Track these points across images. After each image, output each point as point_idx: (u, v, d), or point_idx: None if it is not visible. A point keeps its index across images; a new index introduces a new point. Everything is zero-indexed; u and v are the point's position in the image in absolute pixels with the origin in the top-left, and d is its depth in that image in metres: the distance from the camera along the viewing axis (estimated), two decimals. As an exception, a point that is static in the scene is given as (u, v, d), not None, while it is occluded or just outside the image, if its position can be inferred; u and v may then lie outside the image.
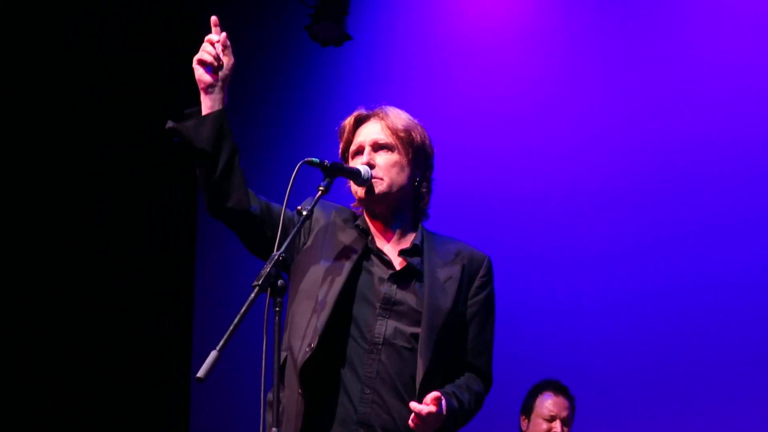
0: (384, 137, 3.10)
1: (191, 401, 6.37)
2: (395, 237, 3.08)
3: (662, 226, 5.50)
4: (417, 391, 2.86)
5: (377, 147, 3.08)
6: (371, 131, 3.13)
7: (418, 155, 3.13)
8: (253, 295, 2.68)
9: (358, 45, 6.22)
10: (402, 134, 3.12)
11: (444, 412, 2.79)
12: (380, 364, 2.89)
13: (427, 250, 3.06)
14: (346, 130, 3.19)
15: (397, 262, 3.02)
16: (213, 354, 2.58)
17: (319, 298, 2.90)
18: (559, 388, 4.83)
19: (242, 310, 2.66)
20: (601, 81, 5.76)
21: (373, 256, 3.01)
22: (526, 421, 4.83)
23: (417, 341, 2.90)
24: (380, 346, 2.90)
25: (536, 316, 5.68)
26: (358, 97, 6.44)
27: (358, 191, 3.06)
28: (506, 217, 5.84)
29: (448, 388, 2.92)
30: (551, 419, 4.77)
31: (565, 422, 4.76)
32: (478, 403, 3.00)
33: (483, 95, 6.02)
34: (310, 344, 2.85)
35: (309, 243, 3.02)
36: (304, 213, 2.86)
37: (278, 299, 2.70)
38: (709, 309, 5.33)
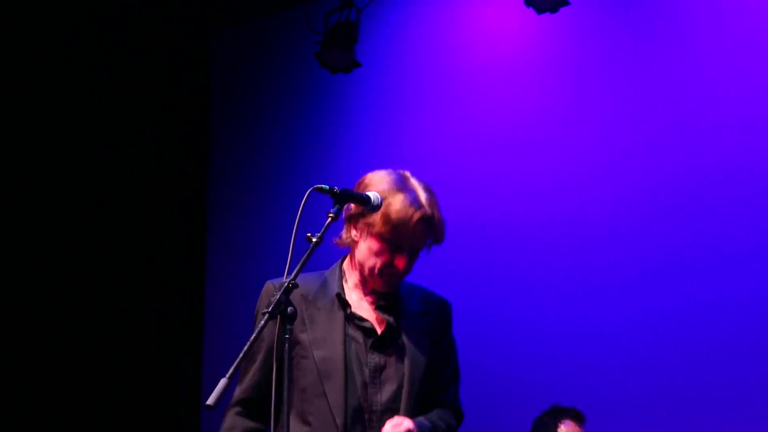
0: (423, 247, 3.06)
1: (201, 424, 6.35)
2: (370, 296, 3.10)
3: (672, 249, 5.47)
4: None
5: (413, 254, 3.05)
6: (418, 238, 3.02)
7: (433, 244, 3.11)
8: (263, 322, 2.68)
9: (367, 71, 6.22)
10: (434, 240, 3.08)
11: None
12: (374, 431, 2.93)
13: (398, 300, 3.09)
14: (398, 222, 3.00)
15: (374, 321, 3.03)
16: (223, 381, 2.58)
17: (323, 391, 2.95)
18: (580, 417, 4.69)
19: (252, 337, 2.66)
20: (617, 104, 5.75)
21: (352, 324, 3.03)
22: None
23: (398, 400, 2.96)
24: (380, 414, 2.94)
25: (542, 340, 5.66)
26: (368, 123, 6.51)
27: (370, 278, 3.04)
28: (515, 238, 5.84)
29: (422, 418, 2.96)
30: None
31: None
32: None
33: (492, 121, 6.02)
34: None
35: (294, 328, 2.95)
36: (314, 239, 2.84)
37: (288, 326, 2.70)
38: (719, 332, 5.30)
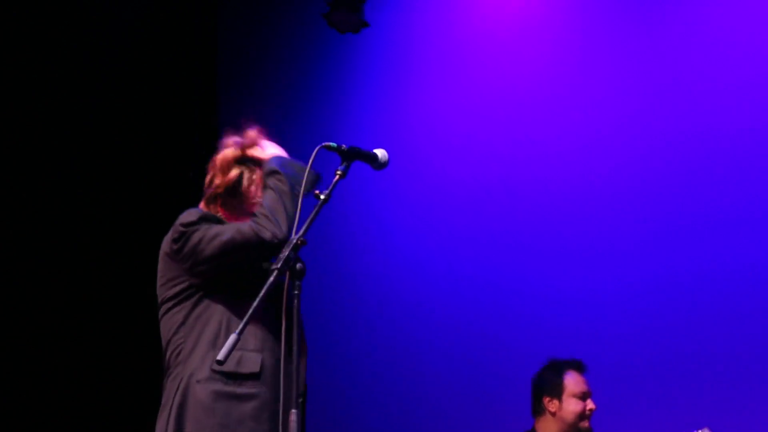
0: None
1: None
2: None
3: (667, 221, 5.47)
4: None
5: None
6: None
7: None
8: (272, 278, 2.69)
9: (376, 32, 6.20)
10: None
11: None
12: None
13: None
14: None
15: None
16: (233, 337, 2.60)
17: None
18: (582, 367, 4.66)
19: (261, 293, 2.67)
20: (605, 80, 5.74)
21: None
22: (556, 402, 4.60)
23: None
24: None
25: (539, 308, 5.66)
26: (375, 84, 6.50)
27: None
28: (513, 209, 5.83)
29: None
30: (584, 396, 4.62)
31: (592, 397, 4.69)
32: None
33: (497, 82, 6.00)
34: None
35: None
36: (322, 197, 2.84)
37: (297, 282, 2.71)
38: (712, 303, 5.31)
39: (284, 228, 2.96)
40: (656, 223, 5.52)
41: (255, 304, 2.66)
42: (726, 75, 5.45)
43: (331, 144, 2.90)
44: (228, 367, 2.87)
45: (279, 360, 2.86)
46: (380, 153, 2.99)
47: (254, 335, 2.99)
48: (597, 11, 5.86)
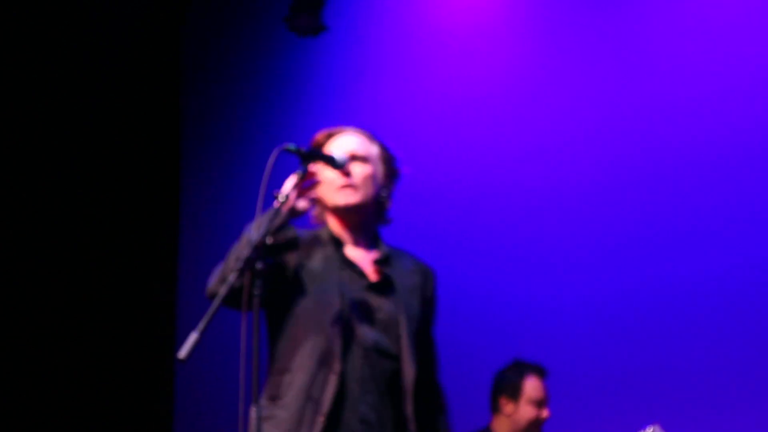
0: (361, 148, 3.13)
1: (176, 390, 6.37)
2: (364, 247, 3.12)
3: (642, 228, 5.45)
4: (406, 395, 2.96)
5: (354, 157, 3.10)
6: (348, 142, 3.15)
7: (389, 167, 3.19)
8: (232, 278, 2.72)
9: (335, 36, 6.23)
10: (378, 149, 3.18)
11: None
12: (370, 368, 2.95)
13: (388, 255, 3.13)
14: (320, 142, 3.20)
15: (366, 265, 3.08)
16: (193, 335, 2.62)
17: (319, 321, 2.96)
18: (543, 372, 4.68)
19: (222, 293, 2.70)
20: (575, 79, 5.74)
21: (347, 267, 3.05)
22: (512, 404, 4.63)
23: (397, 346, 2.99)
24: (370, 351, 2.96)
25: (513, 314, 5.66)
26: (335, 87, 6.52)
27: (331, 200, 3.08)
28: (482, 214, 5.81)
29: None
30: (541, 404, 4.64)
31: (548, 405, 4.70)
32: None
33: (457, 84, 6.02)
34: (333, 369, 2.91)
35: (290, 273, 3.03)
36: (280, 200, 2.87)
37: (257, 282, 2.73)
38: (684, 311, 5.32)
39: (210, 283, 2.96)
40: (622, 233, 5.52)
41: (214, 303, 2.69)
42: (714, 79, 5.44)
43: (291, 146, 2.92)
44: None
45: (310, 389, 2.91)
46: (338, 155, 3.03)
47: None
48: (549, 20, 5.90)
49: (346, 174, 3.04)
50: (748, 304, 5.19)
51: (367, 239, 3.13)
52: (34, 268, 5.96)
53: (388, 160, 3.18)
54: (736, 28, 5.44)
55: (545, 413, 4.62)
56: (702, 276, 5.29)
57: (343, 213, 3.10)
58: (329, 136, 3.18)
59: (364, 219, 3.12)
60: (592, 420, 5.35)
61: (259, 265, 2.74)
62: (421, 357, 3.04)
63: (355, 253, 3.09)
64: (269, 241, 2.82)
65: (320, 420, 2.87)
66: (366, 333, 2.96)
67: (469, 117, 5.95)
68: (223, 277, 2.86)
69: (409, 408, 2.95)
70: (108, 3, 6.31)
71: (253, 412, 2.71)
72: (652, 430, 4.64)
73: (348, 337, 2.94)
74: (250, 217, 2.90)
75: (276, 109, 6.45)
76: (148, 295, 6.39)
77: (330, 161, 3.00)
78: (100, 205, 6.26)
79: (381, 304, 3.01)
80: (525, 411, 4.61)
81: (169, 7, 6.66)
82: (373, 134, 3.23)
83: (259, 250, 2.75)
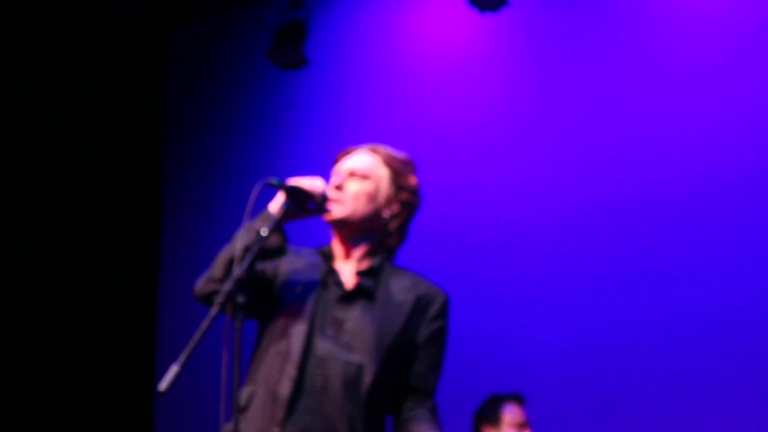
0: (363, 167, 3.12)
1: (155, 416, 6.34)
2: (355, 261, 3.08)
3: (627, 261, 5.47)
4: (364, 401, 2.91)
5: (353, 174, 3.10)
6: (353, 160, 3.15)
7: (399, 192, 3.13)
8: (213, 311, 2.71)
9: (317, 70, 6.26)
10: (388, 172, 3.14)
11: None
12: (325, 378, 2.91)
13: (386, 276, 3.08)
14: (337, 159, 3.21)
15: (351, 283, 3.05)
16: (174, 368, 2.61)
17: (285, 332, 2.95)
18: (520, 400, 4.72)
19: (203, 326, 2.68)
20: (567, 105, 5.76)
21: (330, 280, 3.04)
22: (493, 430, 4.68)
23: (361, 356, 2.94)
24: (326, 362, 2.92)
25: (495, 346, 5.66)
26: (317, 120, 6.54)
27: (325, 215, 3.08)
28: (465, 245, 5.83)
29: None
30: (521, 427, 4.67)
31: (529, 429, 4.74)
32: None
33: (441, 118, 6.04)
34: (289, 376, 2.89)
35: (277, 283, 3.04)
36: (263, 233, 2.87)
37: (239, 316, 2.73)
38: (670, 342, 5.33)
39: (198, 282, 3.01)
40: (600, 266, 5.54)
41: (196, 335, 2.68)
42: (707, 112, 5.44)
43: (273, 180, 2.92)
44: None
45: (268, 400, 2.89)
46: (318, 191, 3.02)
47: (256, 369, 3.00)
48: (530, 50, 5.93)
49: (338, 188, 3.05)
50: (737, 333, 5.20)
51: (363, 255, 3.09)
52: (16, 271, 5.96)
53: (400, 185, 3.13)
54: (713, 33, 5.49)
55: None
56: (689, 308, 5.31)
57: (334, 226, 3.09)
58: (346, 153, 3.19)
59: (356, 234, 3.09)
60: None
61: (240, 299, 2.73)
62: (402, 371, 3.01)
63: (344, 265, 3.08)
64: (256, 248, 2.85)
65: (275, 430, 2.86)
66: (324, 344, 2.94)
67: (451, 152, 5.97)
68: (210, 277, 2.95)
69: (359, 417, 2.90)
70: (90, 29, 6.32)
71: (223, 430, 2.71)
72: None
73: (307, 346, 2.92)
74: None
75: (257, 141, 6.46)
76: (128, 325, 6.39)
77: (309, 198, 2.99)
78: (80, 246, 6.27)
79: (349, 315, 2.98)
80: None
81: (152, 38, 6.68)
82: (402, 156, 3.21)
83: (240, 283, 2.74)
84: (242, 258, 2.81)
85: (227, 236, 3.05)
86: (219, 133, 6.59)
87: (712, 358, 5.23)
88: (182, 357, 2.63)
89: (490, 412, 4.71)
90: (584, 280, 5.56)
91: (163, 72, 6.77)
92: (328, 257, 3.08)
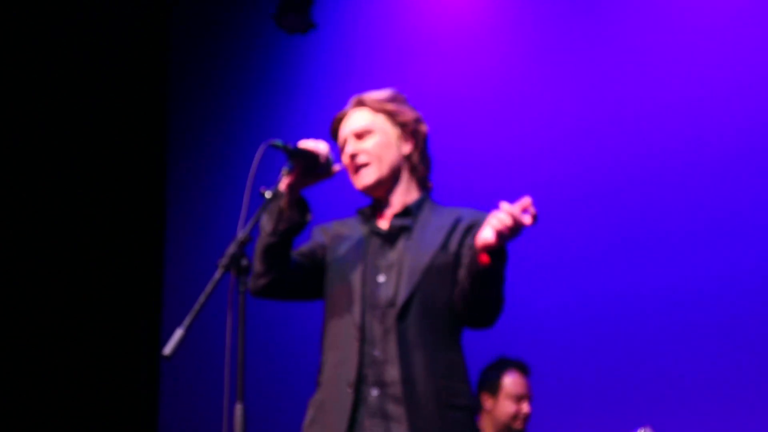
0: (362, 123, 3.12)
1: (160, 386, 6.35)
2: (393, 208, 3.09)
3: (632, 230, 5.41)
4: (396, 331, 2.88)
5: (359, 136, 3.10)
6: (350, 122, 3.14)
7: (404, 127, 3.14)
8: (218, 274, 2.68)
9: (323, 34, 6.21)
10: (381, 112, 3.15)
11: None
12: (382, 324, 2.91)
13: (425, 212, 3.07)
14: (333, 131, 3.21)
15: (388, 227, 3.06)
16: (178, 332, 2.61)
17: (345, 297, 2.97)
18: (524, 369, 4.71)
19: (207, 289, 2.67)
20: (562, 85, 5.70)
21: (374, 236, 3.05)
22: (491, 399, 4.66)
23: (401, 284, 2.94)
24: (385, 308, 2.92)
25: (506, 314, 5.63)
26: (323, 85, 6.50)
27: (353, 183, 3.10)
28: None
29: None
30: (520, 399, 4.67)
31: (529, 401, 4.71)
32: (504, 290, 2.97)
33: (448, 85, 5.99)
34: (354, 337, 2.91)
35: (328, 259, 3.06)
36: (267, 195, 2.84)
37: (243, 279, 2.70)
38: (676, 313, 5.29)
39: (249, 284, 2.99)
40: (612, 235, 5.48)
41: (201, 299, 2.64)
42: (706, 76, 5.38)
43: (277, 142, 2.89)
44: None
45: (338, 363, 2.92)
46: (324, 153, 2.98)
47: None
48: (542, 15, 5.87)
49: (353, 156, 3.06)
50: (741, 307, 5.18)
51: (400, 199, 3.09)
52: (18, 259, 5.94)
53: (401, 120, 3.13)
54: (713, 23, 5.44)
55: (525, 408, 4.64)
56: (693, 279, 5.29)
57: (369, 191, 3.10)
58: (338, 121, 3.19)
59: (391, 186, 3.09)
60: (584, 422, 5.34)
61: (244, 262, 2.70)
62: (448, 285, 2.95)
63: (385, 218, 3.09)
64: (281, 227, 2.91)
65: (348, 392, 2.87)
66: (375, 292, 2.94)
67: (458, 115, 5.92)
68: (255, 274, 2.99)
69: (422, 343, 2.88)
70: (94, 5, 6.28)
71: (238, 410, 2.67)
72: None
73: (364, 303, 2.93)
74: (236, 211, 2.88)
75: (263, 106, 6.44)
76: (133, 288, 6.38)
77: (315, 160, 2.95)
78: (86, 198, 6.27)
79: (392, 255, 2.99)
80: (504, 406, 4.64)
81: (157, 4, 6.63)
82: (390, 89, 3.23)
83: (243, 246, 2.70)
84: (247, 223, 2.78)
85: (233, 200, 3.03)
86: (225, 98, 6.56)
87: (715, 329, 5.21)
88: (186, 321, 2.63)
89: (490, 379, 4.69)
90: (589, 248, 5.52)
91: (168, 35, 6.72)
92: (367, 215, 3.09)
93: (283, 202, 2.92)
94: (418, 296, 2.91)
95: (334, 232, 3.08)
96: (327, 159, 2.97)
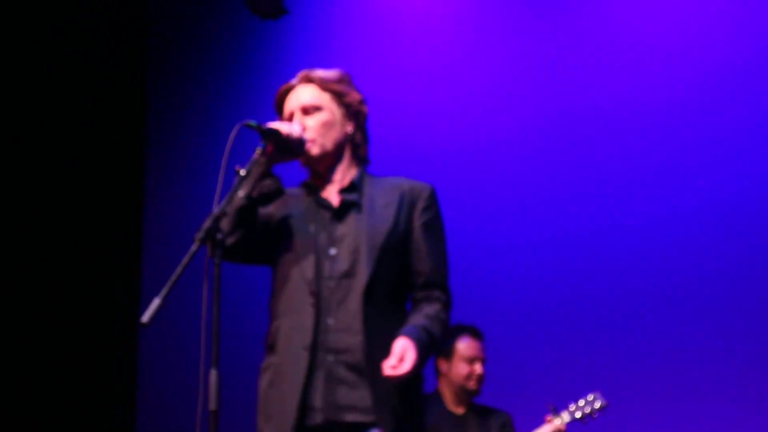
0: (310, 99, 3.15)
1: (139, 352, 6.38)
2: (337, 183, 3.13)
3: (602, 168, 5.60)
4: (361, 303, 2.95)
5: (306, 110, 3.14)
6: (298, 96, 3.18)
7: (349, 108, 3.18)
8: (194, 247, 2.74)
9: (296, 19, 6.23)
10: (328, 91, 3.17)
11: (416, 355, 2.86)
12: (338, 295, 2.98)
13: (368, 186, 3.14)
14: (278, 103, 3.24)
15: (337, 201, 3.11)
16: (156, 301, 2.66)
17: (297, 264, 3.02)
18: (476, 333, 4.88)
19: (184, 261, 2.71)
20: (535, 65, 5.82)
21: (320, 207, 3.09)
22: (446, 363, 4.84)
23: (360, 262, 3.00)
24: (334, 279, 2.99)
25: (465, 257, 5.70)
26: (296, 68, 6.47)
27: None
28: (438, 166, 5.87)
29: (419, 321, 2.99)
30: (472, 361, 4.83)
31: (483, 363, 4.85)
32: (444, 329, 3.06)
33: (421, 71, 6.02)
34: (308, 302, 2.97)
35: (275, 226, 3.10)
36: (242, 173, 2.90)
37: (217, 251, 2.77)
38: (632, 279, 5.44)
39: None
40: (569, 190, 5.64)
41: (178, 270, 2.70)
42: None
43: (251, 122, 2.95)
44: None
45: (293, 328, 2.97)
46: (296, 133, 3.05)
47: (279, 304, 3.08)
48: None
49: (302, 130, 3.08)
50: (701, 271, 5.33)
51: (342, 174, 3.15)
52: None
53: (345, 101, 3.17)
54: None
55: (478, 369, 4.82)
56: (645, 243, 5.41)
57: (312, 164, 3.14)
58: (286, 92, 3.22)
59: (333, 163, 3.14)
60: (537, 386, 5.44)
61: (219, 236, 2.77)
62: (405, 266, 3.06)
63: (329, 190, 3.13)
64: (255, 194, 2.95)
65: (304, 355, 2.94)
66: (331, 264, 3.00)
67: (432, 102, 5.97)
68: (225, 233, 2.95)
69: (359, 316, 2.95)
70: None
71: (212, 376, 2.74)
72: (592, 398, 4.75)
73: (318, 273, 2.99)
74: (212, 188, 2.93)
75: (238, 87, 6.45)
76: (113, 261, 6.38)
77: (286, 140, 3.02)
78: (63, 171, 6.21)
79: (344, 230, 3.05)
80: (458, 368, 4.82)
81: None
82: (337, 69, 3.24)
83: (219, 221, 2.77)
84: (224, 198, 2.85)
85: (210, 181, 3.07)
86: (202, 80, 6.57)
87: (664, 297, 5.31)
88: (164, 291, 2.67)
89: (445, 345, 4.81)
90: (562, 189, 5.66)
91: (146, 21, 6.71)
92: (313, 188, 3.14)
93: (255, 174, 2.98)
94: (378, 272, 2.99)
95: (279, 201, 3.12)
96: (299, 140, 3.04)
